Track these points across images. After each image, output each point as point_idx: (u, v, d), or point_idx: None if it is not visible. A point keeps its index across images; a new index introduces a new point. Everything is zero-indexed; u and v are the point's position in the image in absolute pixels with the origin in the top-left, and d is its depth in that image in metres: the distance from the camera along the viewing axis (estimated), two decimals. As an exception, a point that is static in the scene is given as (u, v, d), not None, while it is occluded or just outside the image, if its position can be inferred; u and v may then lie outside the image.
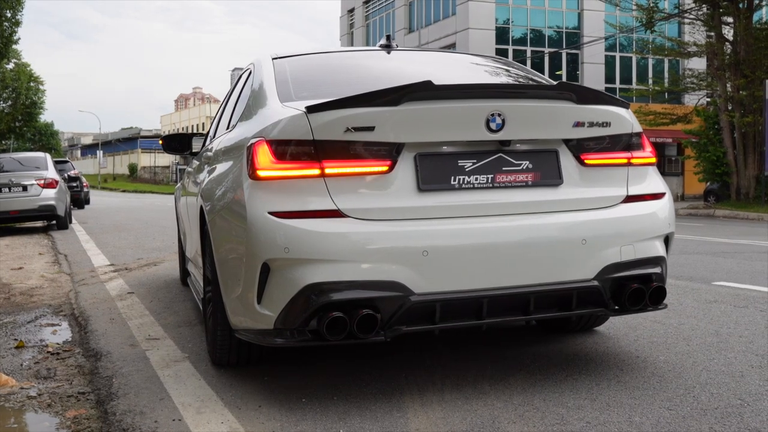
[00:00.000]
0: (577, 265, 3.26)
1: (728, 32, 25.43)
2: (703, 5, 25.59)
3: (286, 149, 3.14)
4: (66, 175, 23.71)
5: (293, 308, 3.06)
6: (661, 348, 4.00)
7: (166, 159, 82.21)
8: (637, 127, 3.62)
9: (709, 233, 13.30)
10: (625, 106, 3.60)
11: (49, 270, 8.61)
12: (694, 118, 27.05)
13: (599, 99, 3.47)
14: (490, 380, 3.42)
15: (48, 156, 17.13)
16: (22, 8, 28.30)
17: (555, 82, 3.56)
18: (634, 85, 37.80)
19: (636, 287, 3.33)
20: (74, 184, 26.00)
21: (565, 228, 3.28)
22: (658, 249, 3.50)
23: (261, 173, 3.14)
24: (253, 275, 3.14)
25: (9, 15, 27.81)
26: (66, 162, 31.16)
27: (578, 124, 3.38)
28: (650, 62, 40.40)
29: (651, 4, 26.15)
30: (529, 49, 38.69)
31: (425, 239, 3.09)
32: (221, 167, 3.85)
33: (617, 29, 31.03)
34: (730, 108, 25.11)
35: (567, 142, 3.41)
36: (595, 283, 3.27)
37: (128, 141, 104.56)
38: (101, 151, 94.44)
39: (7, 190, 14.96)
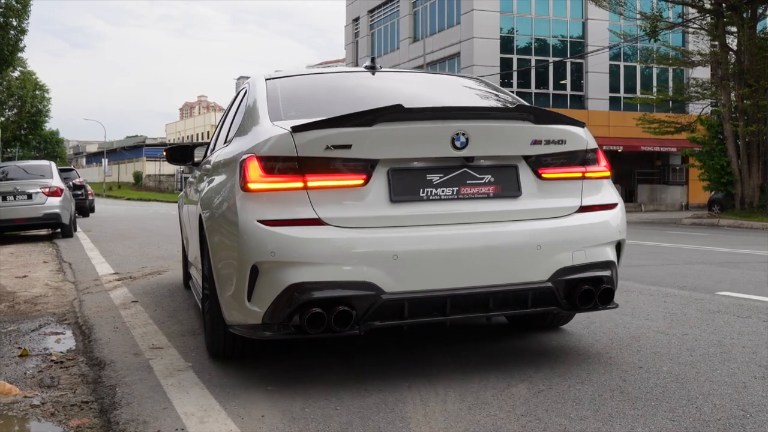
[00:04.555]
0: (533, 269, 3.63)
1: (732, 42, 25.44)
2: (707, 15, 25.62)
3: (273, 165, 3.54)
4: (71, 183, 23.74)
5: (278, 305, 3.45)
6: (664, 358, 3.99)
7: (171, 167, 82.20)
8: (593, 144, 4.01)
9: (714, 243, 13.29)
10: (581, 125, 3.97)
11: (53, 278, 8.63)
12: (698, 127, 27.03)
13: (555, 119, 3.85)
14: (493, 390, 3.42)
15: (53, 164, 17.15)
16: (28, 17, 28.40)
17: (519, 103, 4.10)
18: (638, 94, 37.78)
19: (586, 288, 3.71)
20: (79, 192, 26.03)
21: (522, 235, 3.66)
22: (609, 254, 3.87)
23: (251, 186, 3.54)
24: (244, 276, 3.51)
25: (15, 23, 27.90)
26: (71, 170, 31.23)
27: (536, 142, 3.76)
28: (654, 71, 40.38)
29: (655, 13, 26.20)
30: (533, 59, 38.71)
31: (396, 245, 3.48)
32: (218, 179, 4.24)
33: (621, 38, 31.07)
34: (734, 117, 25.09)
35: (526, 158, 3.78)
36: (549, 284, 3.64)
37: (133, 149, 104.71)
38: (106, 159, 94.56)
39: (11, 198, 14.98)
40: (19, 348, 4.85)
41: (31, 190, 15.11)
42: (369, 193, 3.54)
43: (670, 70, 39.07)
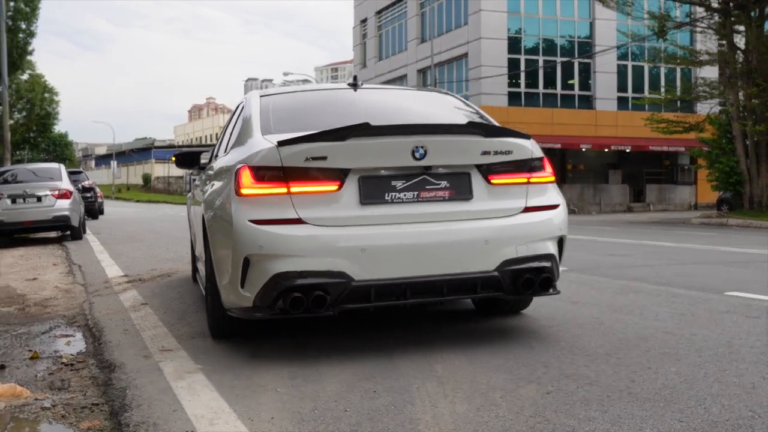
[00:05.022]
0: (481, 260, 4.26)
1: (740, 41, 25.35)
2: (715, 14, 25.53)
3: (263, 173, 4.17)
4: (80, 185, 23.83)
5: (266, 290, 4.08)
6: (672, 359, 3.99)
7: (180, 169, 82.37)
8: (538, 153, 4.60)
9: (722, 242, 13.25)
10: (527, 137, 4.58)
11: (63, 281, 8.67)
12: (707, 126, 26.93)
13: (502, 133, 4.47)
14: (502, 391, 3.43)
15: (62, 167, 17.20)
16: (37, 19, 28.54)
17: (470, 120, 4.72)
18: (646, 94, 37.68)
19: (528, 277, 4.31)
20: (88, 195, 26.11)
21: (472, 232, 4.28)
22: (549, 248, 4.47)
23: (244, 191, 4.18)
24: (238, 266, 4.16)
25: (24, 26, 28.02)
26: (80, 172, 31.33)
27: (485, 153, 4.36)
28: (662, 71, 40.26)
29: (662, 13, 26.13)
30: (541, 59, 38.64)
31: (364, 240, 4.10)
32: (218, 184, 4.88)
33: (629, 38, 30.99)
34: (742, 116, 25.00)
35: (477, 166, 4.38)
36: (495, 273, 4.27)
37: (142, 151, 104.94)
38: (115, 162, 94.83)
39: (21, 200, 15.04)
40: (30, 350, 4.88)
41: (40, 193, 15.16)
42: (342, 197, 4.17)
43: (678, 70, 38.96)
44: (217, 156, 5.86)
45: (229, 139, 5.48)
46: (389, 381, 3.66)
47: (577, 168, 40.97)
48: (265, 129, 4.68)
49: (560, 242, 4.59)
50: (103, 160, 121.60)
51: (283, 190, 4.14)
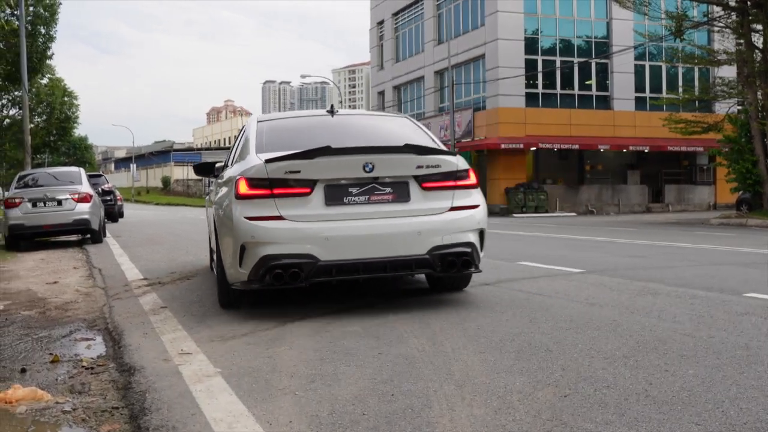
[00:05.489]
0: (416, 247, 5.65)
1: (758, 40, 25.15)
2: (732, 13, 25.36)
3: (255, 182, 5.59)
4: (100, 188, 24.03)
5: (257, 268, 5.51)
6: (690, 361, 3.97)
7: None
8: (463, 166, 5.94)
9: (741, 243, 13.16)
10: (453, 154, 6.00)
11: (83, 284, 8.75)
12: (725, 125, 26.71)
13: (432, 152, 5.85)
14: (519, 394, 3.43)
15: (82, 170, 17.30)
16: (56, 24, 28.73)
17: (407, 142, 5.84)
18: (664, 94, 37.47)
19: (451, 259, 5.71)
20: (108, 198, 26.33)
21: (409, 226, 5.65)
22: (470, 237, 5.83)
23: (241, 194, 5.60)
24: (236, 251, 5.59)
25: (43, 31, 28.23)
26: (100, 176, 31.57)
27: (419, 167, 5.74)
28: (680, 71, 40.04)
29: (680, 13, 25.96)
30: (558, 59, 38.51)
31: (327, 231, 5.51)
32: (223, 190, 6.39)
33: (646, 38, 30.82)
34: (761, 116, 24.80)
35: (414, 176, 5.75)
36: (427, 256, 5.66)
37: (161, 154, 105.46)
38: (134, 165, 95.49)
39: (42, 204, 15.16)
40: (51, 354, 4.94)
41: (60, 197, 15.28)
42: (312, 200, 5.59)
43: (696, 70, 38.72)
44: (227, 167, 7.19)
45: (235, 154, 6.98)
46: (407, 384, 3.67)
47: (595, 169, 40.81)
48: (259, 148, 6.14)
49: (481, 233, 5.98)
50: (122, 163, 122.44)
51: (269, 194, 5.57)
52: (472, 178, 6.03)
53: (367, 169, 5.59)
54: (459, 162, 5.92)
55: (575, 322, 5.17)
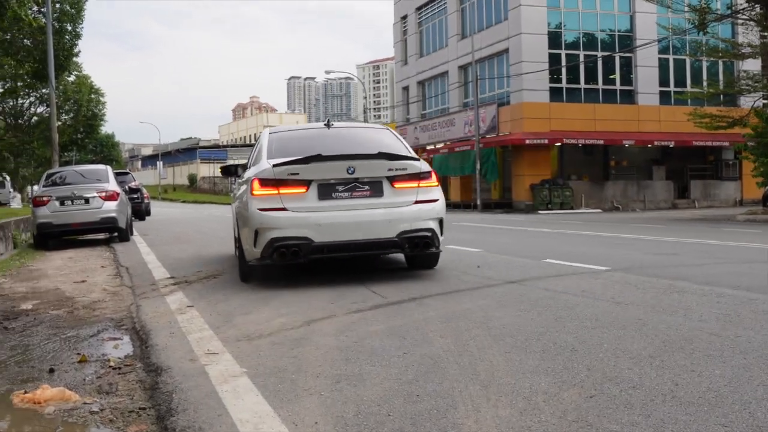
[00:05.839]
0: (388, 231, 7.31)
1: (783, 32, 24.81)
2: (756, 5, 25.01)
3: (265, 182, 7.30)
4: (127, 186, 24.13)
5: (266, 248, 7.22)
6: (717, 361, 3.94)
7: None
8: (425, 168, 7.61)
9: (770, 239, 13.00)
10: (417, 159, 7.63)
11: (111, 283, 8.83)
12: (751, 119, 26.36)
13: (400, 158, 7.49)
14: (545, 395, 3.42)
15: (109, 168, 17.38)
16: (82, 21, 28.92)
17: (380, 151, 7.48)
18: (688, 88, 37.08)
19: (416, 241, 7.40)
20: (135, 196, 26.49)
21: (382, 215, 7.31)
22: (430, 225, 7.48)
23: (254, 192, 7.34)
24: (252, 235, 7.33)
25: (69, 28, 28.42)
26: (127, 173, 31.75)
27: (390, 169, 7.38)
28: (704, 64, 39.62)
29: (703, 5, 25.66)
30: (582, 53, 38.23)
31: (320, 219, 7.19)
32: (242, 189, 8.22)
33: (670, 31, 30.50)
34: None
35: (387, 177, 7.39)
36: (396, 239, 7.34)
37: (187, 151, 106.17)
38: (161, 162, 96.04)
39: (69, 202, 15.26)
40: (78, 354, 4.99)
41: (88, 195, 15.34)
42: (308, 196, 7.28)
43: (721, 63, 38.27)
44: (246, 170, 8.85)
45: (253, 159, 8.67)
46: (432, 385, 3.67)
47: (620, 164, 40.45)
48: (270, 155, 7.86)
49: (440, 221, 7.61)
50: (149, 160, 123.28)
51: (275, 191, 7.28)
52: (433, 178, 7.65)
53: (349, 171, 7.25)
54: (422, 165, 7.62)
55: (601, 321, 5.15)
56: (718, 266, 8.45)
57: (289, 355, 4.50)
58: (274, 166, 7.26)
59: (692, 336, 4.56)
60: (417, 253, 7.59)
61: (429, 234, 7.40)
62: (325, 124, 8.61)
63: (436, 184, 7.65)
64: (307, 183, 7.22)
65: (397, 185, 7.39)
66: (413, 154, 7.91)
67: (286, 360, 4.37)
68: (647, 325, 4.95)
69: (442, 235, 7.65)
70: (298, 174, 7.20)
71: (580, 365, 3.95)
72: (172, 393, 3.81)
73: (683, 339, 4.49)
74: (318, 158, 7.15)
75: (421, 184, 7.47)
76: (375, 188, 7.36)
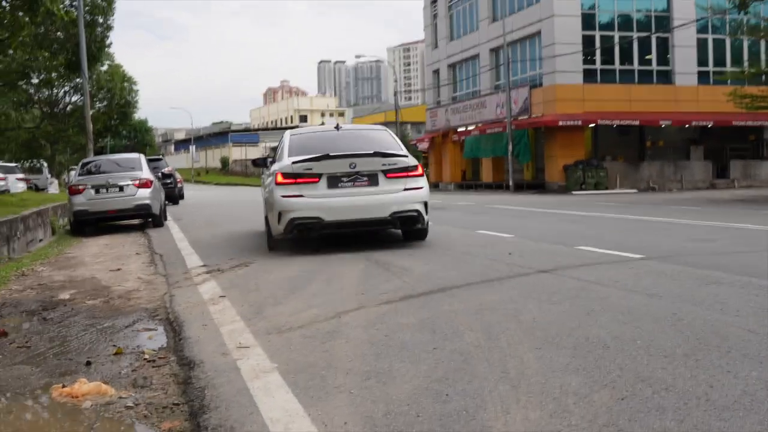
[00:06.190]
0: (383, 212, 9.37)
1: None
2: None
3: (286, 175, 9.44)
4: (160, 173, 24.42)
5: (288, 225, 9.38)
6: (753, 362, 3.83)
7: (256, 152, 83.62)
8: (413, 163, 9.64)
9: (809, 224, 12.72)
10: (406, 156, 9.68)
11: (145, 271, 8.93)
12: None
13: (392, 156, 9.53)
14: (575, 396, 3.38)
15: (142, 156, 17.69)
16: (113, 13, 29.29)
17: (376, 150, 9.61)
18: (728, 67, 36.45)
19: (404, 219, 9.54)
20: (168, 181, 26.82)
21: (378, 200, 9.35)
22: (417, 207, 9.49)
23: (278, 182, 9.46)
24: (275, 216, 9.48)
25: (101, 20, 28.76)
26: (160, 159, 32.15)
27: (384, 164, 9.42)
28: (745, 43, 38.87)
29: (745, -16, 25.14)
30: (617, 35, 37.69)
31: (330, 203, 9.30)
32: (268, 179, 10.31)
33: (708, 11, 29.95)
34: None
35: (381, 170, 9.41)
36: (389, 218, 9.43)
37: (219, 135, 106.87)
38: (193, 146, 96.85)
39: (104, 190, 15.52)
40: (114, 346, 5.08)
41: (122, 183, 15.62)
42: (319, 185, 9.33)
43: (762, 42, 37.52)
44: (273, 163, 10.71)
45: (277, 156, 10.73)
46: (461, 384, 3.65)
47: (656, 145, 39.93)
48: (290, 153, 9.91)
49: (425, 204, 9.61)
50: (182, 144, 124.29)
51: (294, 182, 9.33)
52: (419, 170, 9.74)
53: (351, 166, 9.31)
54: (410, 161, 9.65)
55: (633, 314, 5.08)
56: (758, 254, 8.23)
57: (319, 349, 4.52)
58: (293, 162, 9.41)
59: (728, 333, 4.45)
60: (406, 228, 9.96)
61: (415, 214, 9.49)
62: (335, 127, 10.94)
63: (422, 174, 9.80)
64: (318, 175, 9.31)
65: (389, 176, 9.43)
66: (404, 152, 9.88)
67: (316, 354, 4.39)
68: (682, 320, 4.85)
69: (427, 214, 9.72)
70: (311, 169, 9.30)
71: (612, 364, 3.89)
72: (204, 389, 3.85)
73: (719, 336, 4.38)
74: (327, 157, 9.30)
75: (409, 176, 9.56)
76: (372, 179, 9.40)
